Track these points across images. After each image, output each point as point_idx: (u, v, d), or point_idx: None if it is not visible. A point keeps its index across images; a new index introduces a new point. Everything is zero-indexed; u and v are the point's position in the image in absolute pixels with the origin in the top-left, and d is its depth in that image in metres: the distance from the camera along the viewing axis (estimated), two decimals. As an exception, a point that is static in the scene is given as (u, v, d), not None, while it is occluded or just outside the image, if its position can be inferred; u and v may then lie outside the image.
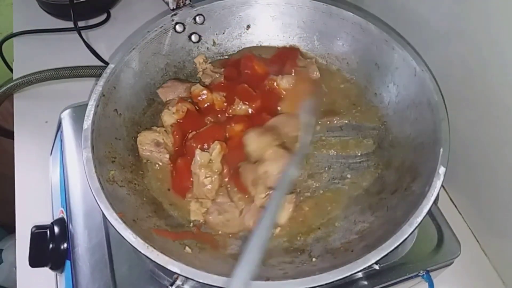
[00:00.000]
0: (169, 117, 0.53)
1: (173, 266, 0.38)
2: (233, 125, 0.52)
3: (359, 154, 0.55)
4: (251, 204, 0.48)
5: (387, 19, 0.59)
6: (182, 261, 0.39)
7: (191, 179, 0.50)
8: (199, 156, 0.49)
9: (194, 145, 0.50)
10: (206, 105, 0.55)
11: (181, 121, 0.53)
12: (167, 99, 0.57)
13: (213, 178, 0.49)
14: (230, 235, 0.48)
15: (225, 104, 0.55)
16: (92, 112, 0.48)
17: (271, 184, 0.47)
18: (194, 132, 0.52)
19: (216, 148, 0.49)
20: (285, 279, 0.38)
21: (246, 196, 0.49)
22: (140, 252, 0.39)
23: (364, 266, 0.38)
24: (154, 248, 0.39)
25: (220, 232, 0.48)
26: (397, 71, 0.54)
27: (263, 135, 0.50)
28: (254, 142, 0.50)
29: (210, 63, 0.61)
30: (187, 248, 0.44)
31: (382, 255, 0.39)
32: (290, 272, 0.41)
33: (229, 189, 0.50)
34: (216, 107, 0.55)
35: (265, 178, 0.47)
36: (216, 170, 0.49)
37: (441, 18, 0.56)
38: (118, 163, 0.49)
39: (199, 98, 0.55)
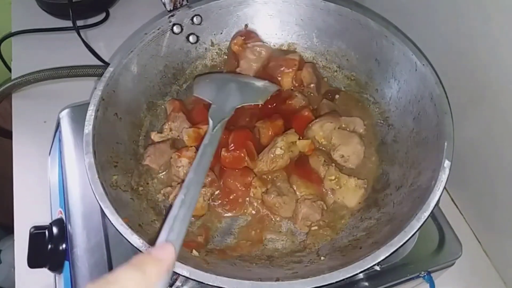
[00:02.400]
0: None
1: (182, 269, 0.37)
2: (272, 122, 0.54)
3: (362, 150, 0.55)
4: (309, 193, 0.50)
5: (389, 17, 0.58)
6: (190, 264, 0.38)
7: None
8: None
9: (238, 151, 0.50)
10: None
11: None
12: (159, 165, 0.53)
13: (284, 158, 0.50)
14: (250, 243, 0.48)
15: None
16: (93, 116, 0.47)
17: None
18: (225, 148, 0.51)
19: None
20: (295, 279, 0.37)
21: (306, 185, 0.50)
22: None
23: (374, 263, 0.38)
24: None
25: (273, 214, 0.49)
26: (398, 66, 0.54)
27: (324, 124, 0.53)
28: (319, 131, 0.53)
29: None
30: (194, 251, 0.44)
31: (392, 251, 0.38)
32: (299, 272, 0.41)
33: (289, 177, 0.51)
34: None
35: (343, 162, 0.52)
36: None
37: (441, 16, 0.56)
38: (120, 167, 0.49)
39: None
